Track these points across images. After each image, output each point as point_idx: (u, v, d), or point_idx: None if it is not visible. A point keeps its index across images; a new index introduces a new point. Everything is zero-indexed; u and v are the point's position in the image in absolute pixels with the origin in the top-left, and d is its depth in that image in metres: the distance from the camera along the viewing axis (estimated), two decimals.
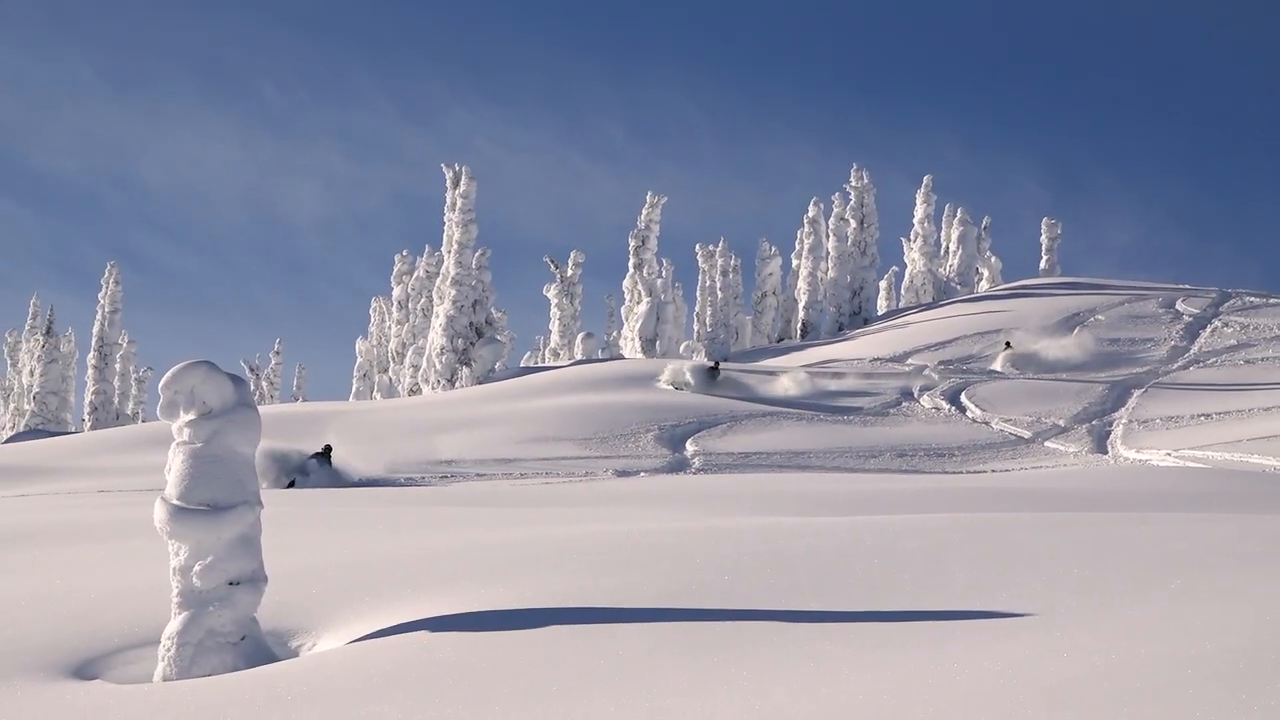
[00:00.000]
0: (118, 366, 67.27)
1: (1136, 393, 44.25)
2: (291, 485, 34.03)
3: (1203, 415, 39.40)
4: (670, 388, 49.41)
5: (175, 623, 10.83)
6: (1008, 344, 49.45)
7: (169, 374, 11.23)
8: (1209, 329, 55.18)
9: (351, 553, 14.98)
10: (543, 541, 15.17)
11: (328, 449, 38.10)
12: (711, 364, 46.94)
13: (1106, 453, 36.27)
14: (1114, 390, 44.75)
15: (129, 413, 66.99)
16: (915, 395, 46.72)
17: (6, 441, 57.13)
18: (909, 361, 53.88)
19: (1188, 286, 65.61)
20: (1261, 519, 15.82)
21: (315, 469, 36.83)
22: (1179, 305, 60.47)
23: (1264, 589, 10.32)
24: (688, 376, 48.91)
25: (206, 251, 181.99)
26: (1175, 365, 49.72)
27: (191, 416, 11.27)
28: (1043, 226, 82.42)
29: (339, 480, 36.41)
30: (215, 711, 9.28)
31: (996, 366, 52.50)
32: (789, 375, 50.61)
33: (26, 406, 65.68)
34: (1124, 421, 40.24)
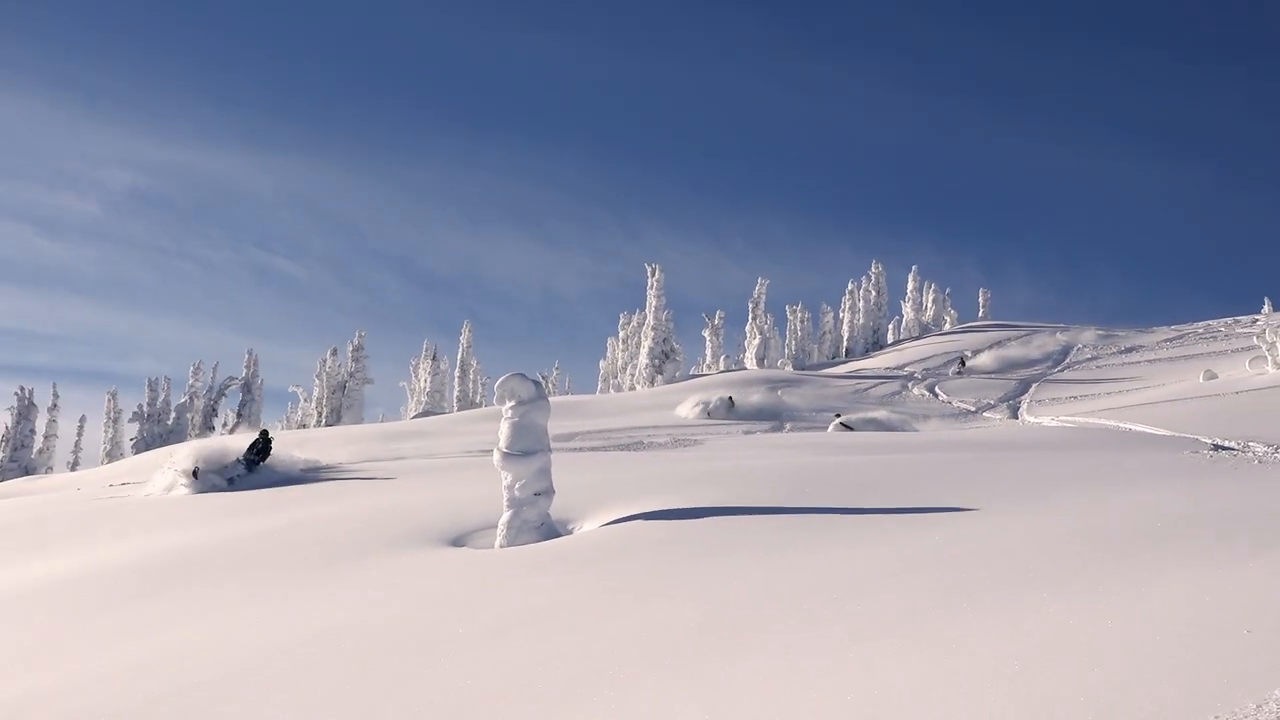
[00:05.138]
0: (472, 375, 67.83)
1: (1035, 385, 43.56)
2: (231, 483, 21.98)
3: (1073, 397, 38.67)
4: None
5: (505, 515, 12.46)
6: (730, 399, 42.73)
7: (500, 380, 12.80)
8: (1076, 348, 54.56)
9: (598, 478, 15.19)
10: (704, 471, 15.34)
11: (261, 441, 24.23)
12: (728, 398, 42.94)
13: (1019, 418, 35.42)
14: (1022, 384, 44.18)
15: (477, 401, 67.49)
16: (909, 388, 45.95)
17: (413, 418, 58.08)
18: (905, 368, 53.13)
19: (1062, 325, 65.47)
20: (1105, 454, 15.73)
21: (242, 471, 22.93)
22: (1058, 335, 60.25)
23: (1104, 492, 11.23)
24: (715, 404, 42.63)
25: (525, 315, 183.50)
26: (1056, 369, 48.73)
27: (512, 403, 12.97)
28: (980, 294, 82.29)
29: (274, 477, 22.73)
30: (528, 563, 10.38)
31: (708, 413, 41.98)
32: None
33: (423, 399, 66.25)
34: (1028, 401, 39.49)
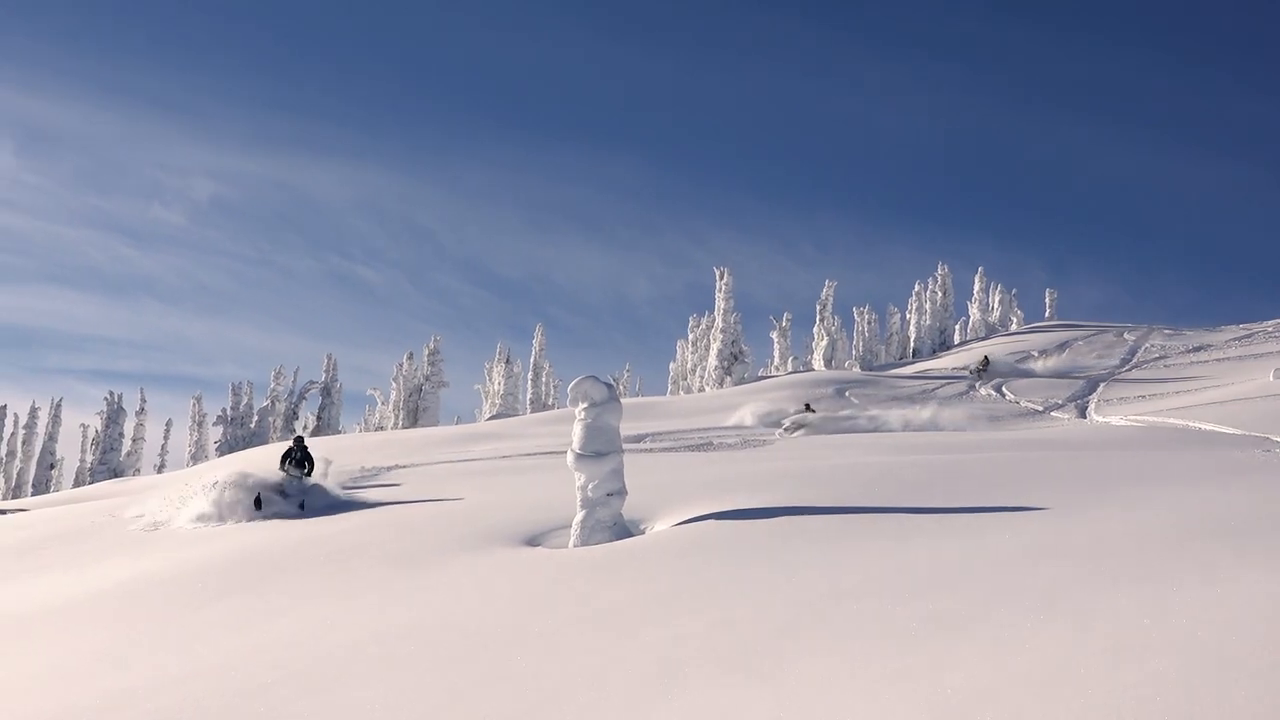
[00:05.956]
0: (544, 377, 68.28)
1: (1102, 385, 42.91)
2: (303, 507, 18.80)
3: (1141, 396, 37.95)
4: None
5: (579, 516, 12.57)
6: (808, 406, 40.81)
7: (573, 383, 12.96)
8: (1143, 348, 53.61)
9: (669, 478, 15.23)
10: (774, 471, 15.38)
11: (299, 451, 20.76)
12: (806, 405, 41.84)
13: (1086, 418, 34.85)
14: (1089, 383, 43.52)
15: (550, 403, 67.90)
16: (976, 387, 45.58)
17: (487, 420, 58.75)
18: (970, 368, 52.70)
19: (1129, 324, 64.57)
20: (1174, 453, 15.49)
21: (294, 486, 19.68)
22: (1125, 335, 59.42)
23: (1176, 490, 10.92)
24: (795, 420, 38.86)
25: (596, 318, 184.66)
26: (1124, 369, 47.95)
27: (585, 406, 13.14)
28: (1046, 294, 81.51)
29: (336, 499, 19.51)
30: (601, 562, 10.40)
31: (786, 424, 36.69)
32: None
33: (496, 401, 66.83)
34: (1095, 400, 38.88)
